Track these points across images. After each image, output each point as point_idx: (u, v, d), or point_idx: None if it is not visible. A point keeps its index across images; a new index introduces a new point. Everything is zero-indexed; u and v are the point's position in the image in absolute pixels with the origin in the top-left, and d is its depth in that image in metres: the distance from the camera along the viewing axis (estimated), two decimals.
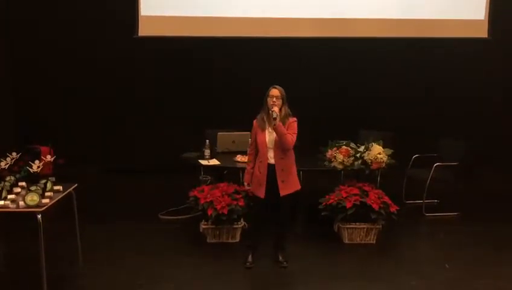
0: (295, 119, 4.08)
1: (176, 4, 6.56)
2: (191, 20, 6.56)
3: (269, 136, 4.07)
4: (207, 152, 5.19)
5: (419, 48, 6.67)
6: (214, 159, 5.18)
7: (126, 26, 6.54)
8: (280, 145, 4.02)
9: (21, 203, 3.53)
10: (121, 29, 6.56)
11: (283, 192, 4.07)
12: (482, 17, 6.70)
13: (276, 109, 3.96)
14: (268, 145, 4.07)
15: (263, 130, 4.10)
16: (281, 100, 4.02)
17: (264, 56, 6.61)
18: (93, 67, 6.74)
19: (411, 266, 4.31)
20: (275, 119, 3.92)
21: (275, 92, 4.03)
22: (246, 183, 4.32)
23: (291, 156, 4.12)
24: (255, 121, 4.18)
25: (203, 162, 5.14)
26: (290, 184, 4.10)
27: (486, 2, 6.67)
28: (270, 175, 4.07)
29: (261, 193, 4.11)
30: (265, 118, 4.09)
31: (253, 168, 4.20)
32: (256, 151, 4.17)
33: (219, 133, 5.39)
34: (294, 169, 4.16)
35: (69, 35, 6.64)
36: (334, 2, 6.58)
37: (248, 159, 4.31)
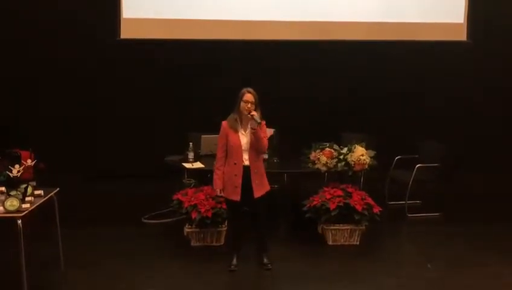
0: (265, 122, 4.08)
1: (158, 7, 6.53)
2: (173, 22, 6.55)
3: (244, 138, 4.05)
4: (190, 155, 5.17)
5: (399, 51, 6.75)
6: (198, 162, 5.16)
7: (107, 29, 6.48)
8: (256, 148, 4.03)
9: (0, 208, 3.46)
10: (102, 32, 6.49)
11: (257, 193, 4.06)
12: (461, 21, 6.83)
13: (255, 113, 3.95)
14: (243, 147, 4.04)
15: (236, 131, 4.05)
16: (255, 104, 3.99)
17: (247, 59, 6.61)
18: (73, 71, 6.64)
19: (394, 266, 4.34)
20: (259, 124, 3.92)
21: (249, 97, 3.98)
22: (218, 190, 4.10)
23: (262, 158, 4.20)
24: (224, 123, 4.08)
25: (187, 165, 5.11)
26: (263, 186, 4.11)
27: (465, 6, 6.81)
28: (244, 177, 4.04)
29: (237, 196, 4.05)
30: (238, 120, 4.06)
31: (223, 172, 4.11)
32: (225, 154, 4.08)
33: (203, 136, 5.35)
34: (264, 171, 4.18)
35: (49, 38, 6.54)
36: (315, 6, 6.64)
37: (218, 164, 4.08)
